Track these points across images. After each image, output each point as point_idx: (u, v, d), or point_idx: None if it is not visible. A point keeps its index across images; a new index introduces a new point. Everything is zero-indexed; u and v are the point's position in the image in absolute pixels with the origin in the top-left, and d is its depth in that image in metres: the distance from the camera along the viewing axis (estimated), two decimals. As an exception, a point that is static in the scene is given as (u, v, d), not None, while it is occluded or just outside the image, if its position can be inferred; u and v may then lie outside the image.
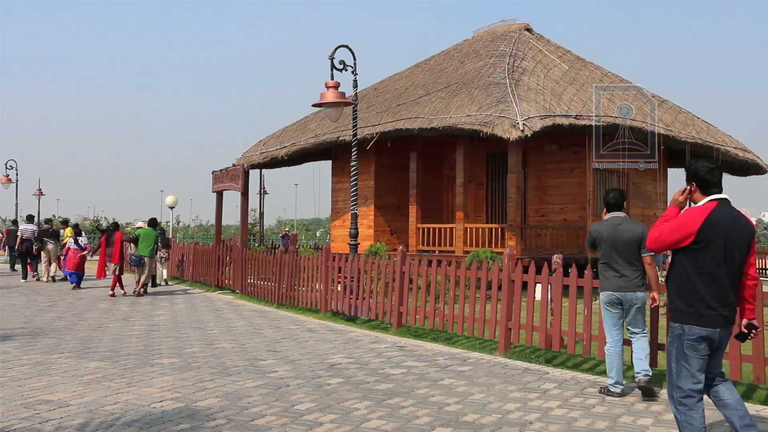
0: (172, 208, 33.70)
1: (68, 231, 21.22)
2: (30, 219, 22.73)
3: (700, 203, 4.59)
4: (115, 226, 18.19)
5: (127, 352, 8.91)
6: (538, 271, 8.94)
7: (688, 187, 4.68)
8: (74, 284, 18.50)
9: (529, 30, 21.51)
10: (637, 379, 6.74)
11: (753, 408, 6.38)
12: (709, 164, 4.66)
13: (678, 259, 4.59)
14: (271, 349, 9.19)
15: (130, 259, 16.80)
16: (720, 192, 4.61)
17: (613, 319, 6.89)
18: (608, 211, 6.97)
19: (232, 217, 63.56)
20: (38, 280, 20.57)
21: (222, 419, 5.87)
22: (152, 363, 8.24)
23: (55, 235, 20.59)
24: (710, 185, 4.59)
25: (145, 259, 16.73)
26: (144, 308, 13.94)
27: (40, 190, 36.23)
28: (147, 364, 8.14)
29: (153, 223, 17.71)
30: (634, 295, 6.75)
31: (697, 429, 4.51)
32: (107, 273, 16.96)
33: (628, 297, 6.76)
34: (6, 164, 31.90)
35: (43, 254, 20.42)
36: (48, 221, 22.78)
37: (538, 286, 9.20)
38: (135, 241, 17.04)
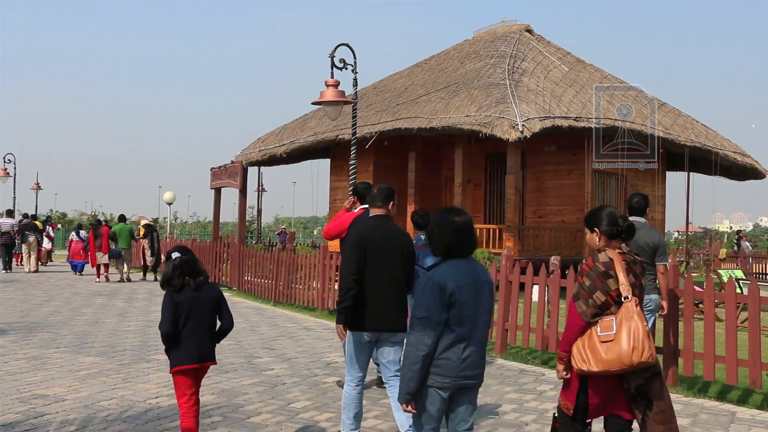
0: (169, 204, 33.66)
1: (39, 224, 23.53)
2: (9, 213, 24.12)
3: (356, 210, 6.49)
4: (99, 222, 20.87)
5: (123, 348, 8.90)
6: (536, 273, 8.94)
7: (353, 198, 6.54)
8: (78, 272, 20.95)
9: (529, 31, 21.50)
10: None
11: (748, 412, 6.39)
12: (364, 185, 6.56)
13: (341, 246, 6.29)
14: (268, 346, 9.19)
15: (110, 252, 19.00)
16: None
17: None
18: (630, 215, 6.91)
19: (229, 214, 63.52)
20: (8, 271, 21.55)
21: (218, 416, 5.87)
22: (148, 359, 8.24)
23: (36, 229, 22.17)
24: (363, 198, 6.42)
25: (123, 251, 19.08)
26: (140, 304, 13.93)
27: (38, 184, 36.13)
28: (143, 360, 8.13)
29: (123, 218, 20.58)
30: (648, 297, 6.73)
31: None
32: (97, 262, 19.17)
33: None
34: (4, 158, 31.80)
35: (24, 247, 21.74)
36: (25, 215, 24.37)
37: (536, 288, 9.20)
38: (113, 236, 19.00)
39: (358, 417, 5.13)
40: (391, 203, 5.29)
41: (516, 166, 16.89)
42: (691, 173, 21.56)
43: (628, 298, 3.77)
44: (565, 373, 3.96)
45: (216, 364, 4.90)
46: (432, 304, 3.54)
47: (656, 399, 3.81)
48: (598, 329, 3.78)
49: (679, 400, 6.76)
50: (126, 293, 16.01)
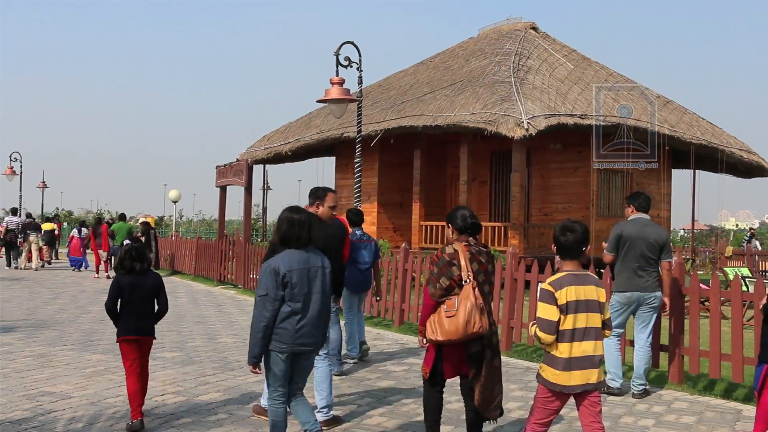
0: (175, 202, 33.78)
1: (52, 225, 24.75)
2: (14, 212, 24.93)
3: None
4: (99, 220, 21.62)
5: (129, 346, 8.92)
6: (541, 270, 8.94)
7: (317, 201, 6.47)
8: (76, 267, 22.05)
9: (534, 29, 21.46)
10: (631, 391, 6.80)
11: (754, 411, 6.38)
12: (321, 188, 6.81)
13: None
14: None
15: (110, 250, 19.69)
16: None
17: (624, 318, 6.92)
18: (638, 211, 6.91)
19: (235, 212, 63.57)
20: (16, 268, 22.31)
21: (224, 413, 5.89)
22: (154, 357, 8.23)
23: (37, 228, 22.82)
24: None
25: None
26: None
27: (44, 182, 36.27)
28: (149, 358, 8.14)
29: (123, 217, 21.35)
30: (653, 295, 6.81)
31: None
32: (100, 259, 20.03)
33: (647, 296, 6.80)
34: (10, 156, 31.91)
35: (25, 245, 22.37)
36: (28, 215, 25.39)
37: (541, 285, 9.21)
38: (113, 235, 19.63)
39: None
40: (317, 203, 5.89)
41: (521, 163, 16.87)
42: (697, 171, 21.51)
43: (467, 281, 4.58)
44: (424, 342, 4.77)
45: (155, 339, 5.76)
46: (269, 284, 4.43)
47: (486, 364, 4.62)
48: (445, 307, 4.59)
49: (684, 398, 6.76)
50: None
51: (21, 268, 22.11)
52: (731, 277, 12.23)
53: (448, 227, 4.85)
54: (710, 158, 20.41)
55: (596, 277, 4.31)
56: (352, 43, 13.13)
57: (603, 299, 4.18)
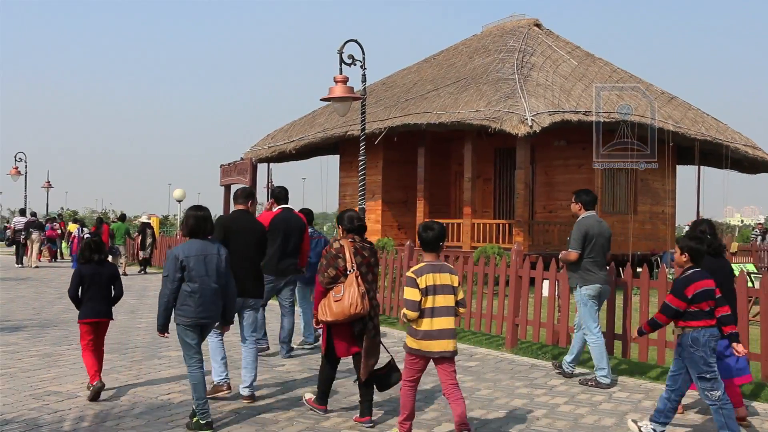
0: (180, 201, 33.81)
1: (72, 227, 25.22)
2: (22, 212, 25.80)
3: (274, 209, 8.19)
4: (100, 220, 22.34)
5: (134, 345, 8.95)
6: (546, 267, 8.93)
7: (272, 200, 8.21)
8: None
9: (538, 25, 21.41)
10: (566, 371, 7.35)
11: (761, 407, 6.36)
12: (280, 189, 8.36)
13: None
14: (278, 343, 9.19)
15: (110, 249, 19.76)
16: (286, 204, 8.24)
17: (596, 312, 7.20)
18: (586, 209, 7.17)
19: (239, 210, 63.39)
20: (21, 266, 22.81)
21: (229, 412, 5.89)
22: (159, 356, 8.27)
23: (40, 227, 23.64)
24: (280, 200, 8.29)
25: (120, 247, 20.43)
26: (151, 301, 13.98)
27: (48, 182, 36.34)
28: (154, 357, 8.17)
29: (123, 217, 22.44)
30: (608, 288, 7.31)
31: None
32: None
33: (606, 289, 7.23)
34: (15, 156, 31.96)
35: (28, 243, 22.96)
36: (33, 214, 25.52)
37: (546, 283, 9.17)
38: (112, 234, 20.00)
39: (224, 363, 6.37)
40: (251, 202, 6.93)
41: (525, 160, 16.84)
42: (701, 167, 21.43)
43: (351, 271, 5.47)
44: (319, 326, 5.64)
45: (113, 320, 6.66)
46: (170, 268, 5.37)
47: (367, 338, 5.53)
48: (333, 293, 5.47)
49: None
50: (136, 290, 16.08)
51: (31, 267, 22.39)
52: (737, 273, 12.19)
53: (338, 227, 5.75)
54: (715, 154, 20.35)
55: (451, 266, 5.13)
56: (355, 41, 13.11)
57: (456, 284, 5.03)
